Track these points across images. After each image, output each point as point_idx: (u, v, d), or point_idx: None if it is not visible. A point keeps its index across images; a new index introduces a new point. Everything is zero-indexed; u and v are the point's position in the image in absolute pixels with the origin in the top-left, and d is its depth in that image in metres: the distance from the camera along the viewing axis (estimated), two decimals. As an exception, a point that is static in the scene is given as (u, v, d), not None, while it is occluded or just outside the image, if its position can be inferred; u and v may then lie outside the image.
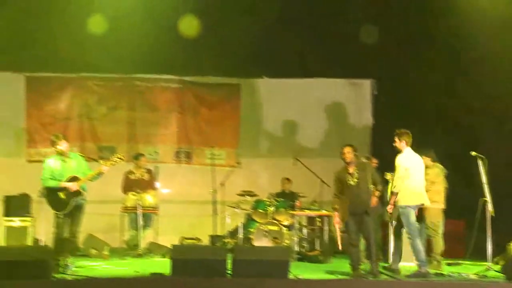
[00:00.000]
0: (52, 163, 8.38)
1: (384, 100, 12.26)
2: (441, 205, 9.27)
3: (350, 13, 10.95)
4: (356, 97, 12.66)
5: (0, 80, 11.90)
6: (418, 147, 9.72)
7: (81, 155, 8.86)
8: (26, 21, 10.35)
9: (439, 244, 9.18)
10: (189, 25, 10.82)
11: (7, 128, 11.85)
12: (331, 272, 8.54)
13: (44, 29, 10.68)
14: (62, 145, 8.35)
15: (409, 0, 10.76)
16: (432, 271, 8.45)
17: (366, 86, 12.66)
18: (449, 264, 9.33)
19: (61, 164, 8.36)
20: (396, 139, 8.60)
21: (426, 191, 8.98)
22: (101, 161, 9.01)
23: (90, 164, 8.83)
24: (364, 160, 9.39)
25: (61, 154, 8.37)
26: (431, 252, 9.25)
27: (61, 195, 8.25)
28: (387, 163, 10.12)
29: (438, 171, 9.31)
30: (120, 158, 8.68)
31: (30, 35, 10.76)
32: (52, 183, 8.27)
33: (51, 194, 8.26)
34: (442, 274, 8.42)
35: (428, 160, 9.28)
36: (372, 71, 12.16)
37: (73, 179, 8.36)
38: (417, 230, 8.43)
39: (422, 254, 8.21)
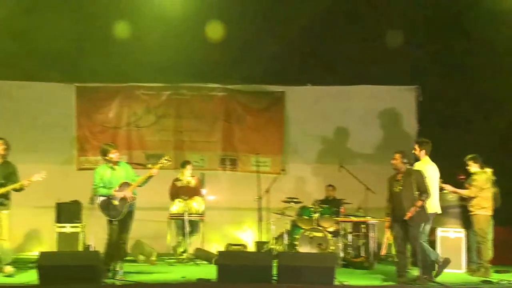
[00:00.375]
0: (102, 171, 8.53)
1: (429, 106, 12.11)
2: (489, 211, 9.15)
3: (394, 20, 10.84)
4: (401, 103, 12.53)
5: (52, 91, 12.18)
6: (463, 153, 9.67)
7: (127, 163, 9.03)
8: (76, 33, 10.57)
9: (487, 251, 9.06)
10: (233, 34, 10.89)
11: (59, 137, 12.10)
12: (377, 279, 8.49)
13: (93, 41, 10.91)
14: (114, 154, 8.51)
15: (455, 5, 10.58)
16: (480, 278, 8.33)
17: (411, 92, 12.52)
18: (498, 271, 9.17)
19: (111, 172, 8.50)
20: (417, 147, 8.84)
21: (475, 197, 8.94)
22: (149, 165, 9.20)
23: (137, 171, 8.97)
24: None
25: (111, 162, 8.53)
26: (480, 259, 9.12)
27: (114, 202, 8.38)
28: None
29: (486, 178, 9.19)
30: (167, 160, 8.78)
31: (80, 46, 11.01)
32: (103, 191, 8.43)
33: (104, 202, 8.40)
34: (490, 282, 8.28)
35: (476, 167, 9.22)
36: (417, 78, 12.02)
37: (124, 185, 8.48)
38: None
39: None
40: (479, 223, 9.11)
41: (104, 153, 8.57)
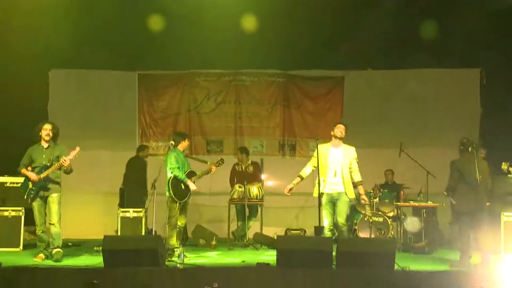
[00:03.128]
0: (177, 155, 8.92)
1: (494, 89, 11.68)
2: None
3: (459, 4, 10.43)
4: (464, 86, 12.15)
5: (115, 78, 12.40)
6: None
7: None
8: (137, 23, 10.65)
9: None
10: (289, 21, 10.73)
11: (123, 123, 12.31)
12: (437, 264, 8.28)
13: (154, 30, 10.96)
14: (187, 143, 9.17)
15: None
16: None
17: (475, 75, 12.12)
18: None
19: (182, 159, 8.98)
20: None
21: None
22: (209, 162, 9.31)
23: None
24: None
25: (181, 150, 8.99)
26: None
27: (183, 186, 8.80)
28: (496, 153, 9.70)
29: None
30: (221, 162, 9.35)
31: (142, 35, 11.09)
32: (179, 173, 8.77)
33: (175, 184, 8.77)
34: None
35: None
36: (482, 60, 11.59)
37: (191, 173, 8.96)
38: None
39: None
40: None
41: (183, 138, 9.07)
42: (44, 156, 8.24)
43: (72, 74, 12.33)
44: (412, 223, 10.24)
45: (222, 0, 10.23)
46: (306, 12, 10.54)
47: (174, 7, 10.50)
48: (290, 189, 8.58)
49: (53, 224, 8.21)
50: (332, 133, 8.48)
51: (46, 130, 8.27)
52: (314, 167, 8.43)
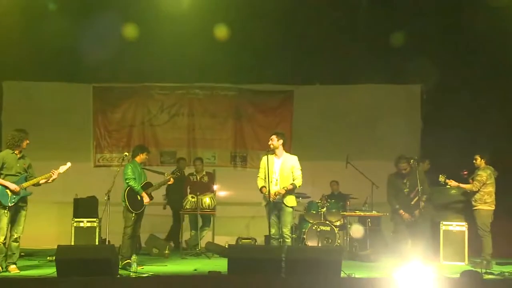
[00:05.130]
0: (135, 167, 8.84)
1: (433, 104, 11.99)
2: (492, 206, 9.10)
3: (398, 21, 10.69)
4: (406, 101, 12.41)
5: (70, 91, 12.21)
6: (467, 149, 9.59)
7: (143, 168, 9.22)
8: (92, 36, 10.54)
9: (489, 245, 8.97)
10: (243, 36, 10.81)
11: (76, 135, 12.13)
12: (382, 271, 8.42)
13: (108, 43, 10.87)
14: (146, 157, 9.10)
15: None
16: (482, 270, 8.26)
17: (415, 90, 12.42)
18: (499, 264, 9.10)
19: (141, 170, 8.94)
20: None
21: (477, 192, 8.92)
22: (166, 173, 9.26)
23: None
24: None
25: (138, 162, 8.93)
26: (482, 252, 9.04)
27: (139, 197, 8.72)
28: (435, 165, 9.97)
29: (489, 173, 9.12)
30: (178, 172, 9.45)
31: (96, 48, 10.98)
32: (134, 184, 8.67)
33: (131, 195, 8.67)
34: (492, 273, 8.19)
35: (482, 162, 9.16)
36: (421, 76, 11.87)
37: (148, 184, 8.92)
38: None
39: None
40: (482, 218, 9.04)
41: (141, 151, 9.00)
42: (18, 165, 7.94)
43: (26, 85, 12.09)
44: (356, 230, 10.41)
45: (177, 15, 10.25)
46: (256, 28, 10.64)
47: (130, 21, 10.50)
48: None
49: (18, 237, 7.94)
50: None
51: (27, 141, 8.05)
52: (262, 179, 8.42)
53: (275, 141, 8.35)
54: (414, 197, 9.04)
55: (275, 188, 8.19)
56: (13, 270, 7.84)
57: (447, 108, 11.24)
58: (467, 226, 9.63)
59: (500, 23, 9.67)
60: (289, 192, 8.24)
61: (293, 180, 8.29)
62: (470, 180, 9.30)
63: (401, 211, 8.94)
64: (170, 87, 12.52)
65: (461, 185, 9.30)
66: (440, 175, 9.28)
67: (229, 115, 12.58)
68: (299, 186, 8.35)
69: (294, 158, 8.40)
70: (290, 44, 11.12)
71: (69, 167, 8.13)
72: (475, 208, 9.16)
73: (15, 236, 7.92)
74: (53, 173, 7.98)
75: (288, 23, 10.68)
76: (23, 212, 7.97)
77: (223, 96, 12.64)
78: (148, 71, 11.90)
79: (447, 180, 9.23)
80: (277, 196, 8.14)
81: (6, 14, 9.77)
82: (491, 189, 9.11)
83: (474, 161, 9.28)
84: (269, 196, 8.07)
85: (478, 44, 10.51)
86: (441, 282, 7.04)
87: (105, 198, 8.38)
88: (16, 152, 7.98)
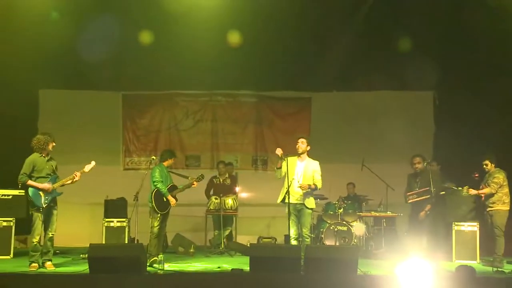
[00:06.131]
0: (162, 170, 8.94)
1: (446, 109, 11.93)
2: (508, 206, 9.05)
3: (409, 28, 10.63)
4: (419, 107, 12.37)
5: (101, 98, 12.38)
6: (478, 152, 9.52)
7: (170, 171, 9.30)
8: (122, 49, 10.69)
9: (502, 245, 8.90)
10: (263, 45, 10.87)
11: (107, 140, 12.27)
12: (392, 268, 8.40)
13: (136, 54, 11.01)
14: (173, 161, 9.22)
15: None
16: (493, 268, 8.22)
17: (428, 96, 12.38)
18: (509, 263, 9.02)
19: (167, 173, 9.03)
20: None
21: (495, 194, 8.87)
22: (190, 177, 9.29)
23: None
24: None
25: (165, 166, 9.03)
26: (495, 251, 8.96)
27: (165, 198, 8.79)
28: (448, 167, 9.90)
29: (504, 175, 9.05)
30: (202, 177, 9.33)
31: (126, 58, 11.12)
32: (161, 186, 8.76)
33: (158, 196, 8.76)
34: (503, 272, 8.13)
35: (492, 166, 9.12)
36: (434, 82, 11.81)
37: (173, 187, 8.96)
38: None
39: None
40: (501, 218, 8.95)
41: (170, 156, 9.10)
42: (47, 167, 7.99)
43: (60, 94, 12.28)
44: (358, 228, 10.36)
45: (199, 28, 10.32)
46: (275, 37, 10.68)
47: (155, 33, 10.62)
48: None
49: (51, 235, 8.02)
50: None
51: (53, 144, 8.07)
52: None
53: (305, 145, 8.35)
54: (419, 196, 9.08)
55: (297, 190, 8.18)
56: (49, 266, 7.96)
57: (459, 112, 11.18)
58: (478, 226, 9.56)
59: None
60: (309, 193, 8.24)
61: (314, 183, 8.28)
62: (483, 185, 9.21)
63: None
64: (194, 94, 12.63)
65: (480, 191, 9.19)
66: (462, 188, 9.33)
67: (250, 120, 12.65)
68: (319, 188, 8.36)
69: (316, 163, 8.40)
70: (308, 53, 11.15)
71: (94, 165, 8.18)
72: (493, 209, 9.02)
73: (50, 235, 8.03)
74: (75, 175, 8.03)
75: (305, 32, 10.70)
76: (54, 212, 8.03)
77: (244, 102, 12.72)
78: (173, 80, 12.05)
79: (469, 190, 9.24)
80: (301, 189, 8.11)
81: (42, 27, 9.92)
82: (507, 189, 9.06)
83: (485, 166, 9.20)
84: (281, 162, 8.05)
85: (489, 49, 10.38)
86: (437, 276, 7.01)
87: (134, 200, 8.47)
88: (44, 154, 8.04)
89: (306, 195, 8.19)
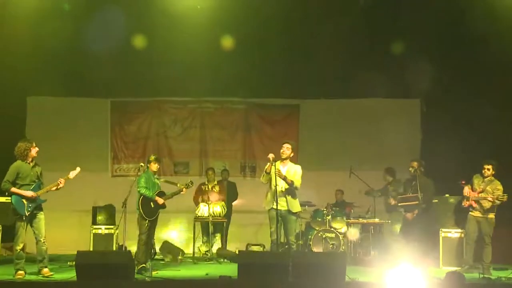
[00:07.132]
0: (149, 176, 8.86)
1: (433, 117, 11.99)
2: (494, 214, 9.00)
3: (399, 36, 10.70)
4: (406, 114, 12.43)
5: (89, 105, 12.34)
6: (465, 160, 9.55)
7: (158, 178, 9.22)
8: (110, 56, 10.67)
9: (491, 252, 8.88)
10: (252, 52, 10.91)
11: (95, 146, 12.22)
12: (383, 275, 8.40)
13: (124, 60, 11.00)
14: (157, 167, 9.03)
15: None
16: (481, 275, 8.26)
17: (415, 104, 12.46)
18: (495, 269, 9.03)
19: (154, 179, 8.93)
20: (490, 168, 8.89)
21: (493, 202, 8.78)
22: (179, 184, 9.24)
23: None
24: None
25: (155, 172, 8.96)
26: (483, 258, 8.93)
27: (152, 204, 8.71)
28: (434, 174, 9.93)
29: (498, 182, 8.94)
30: (191, 184, 9.26)
31: (114, 65, 11.10)
32: (147, 192, 8.68)
33: (145, 203, 8.68)
34: (489, 278, 8.15)
35: (493, 173, 8.93)
36: (421, 89, 11.87)
37: (161, 194, 8.87)
38: None
39: None
40: (491, 226, 8.88)
41: (156, 162, 8.97)
42: (32, 173, 7.89)
43: (48, 100, 12.22)
44: (353, 233, 10.38)
45: (188, 35, 10.34)
46: (264, 45, 10.73)
47: (144, 40, 10.62)
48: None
49: (43, 241, 7.88)
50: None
51: (35, 149, 7.96)
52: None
53: (289, 151, 8.34)
54: (407, 201, 9.11)
55: (281, 195, 8.14)
56: (46, 273, 7.84)
57: (446, 120, 11.22)
58: (464, 233, 9.56)
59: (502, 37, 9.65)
60: (292, 195, 8.21)
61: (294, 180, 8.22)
62: (478, 188, 9.01)
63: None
64: (183, 101, 12.62)
65: (486, 198, 8.90)
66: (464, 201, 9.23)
67: (239, 127, 12.65)
68: (296, 185, 8.24)
69: (298, 167, 8.39)
70: (296, 60, 11.20)
71: (79, 171, 8.09)
72: (487, 216, 8.88)
73: (42, 240, 7.89)
74: (60, 182, 7.93)
75: (294, 39, 10.75)
76: (41, 217, 7.89)
77: (232, 109, 12.72)
78: (162, 87, 12.05)
79: (470, 193, 9.06)
80: (278, 176, 8.03)
81: (29, 34, 9.88)
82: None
83: (487, 171, 8.91)
84: (271, 166, 8.00)
85: (478, 55, 10.44)
86: (427, 283, 7.02)
87: (122, 207, 8.42)
88: (28, 161, 7.94)
89: (289, 196, 8.13)
